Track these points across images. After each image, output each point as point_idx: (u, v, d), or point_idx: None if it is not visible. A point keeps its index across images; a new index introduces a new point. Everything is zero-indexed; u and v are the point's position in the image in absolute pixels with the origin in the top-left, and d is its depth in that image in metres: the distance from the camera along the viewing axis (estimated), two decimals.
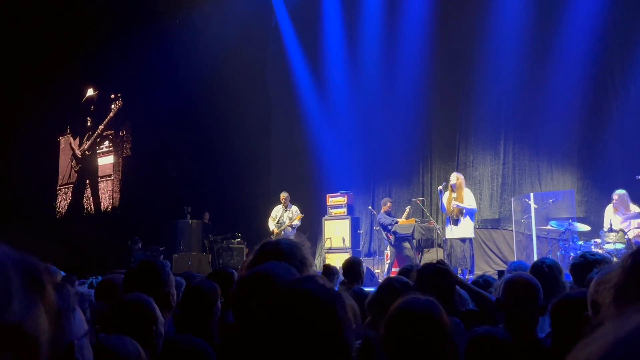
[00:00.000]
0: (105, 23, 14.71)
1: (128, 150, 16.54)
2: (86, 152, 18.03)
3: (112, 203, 16.69)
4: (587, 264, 3.33)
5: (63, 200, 18.37)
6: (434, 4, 11.46)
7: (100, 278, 4.59)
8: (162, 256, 11.86)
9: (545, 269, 3.38)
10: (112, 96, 16.99)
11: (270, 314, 1.48)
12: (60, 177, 18.69)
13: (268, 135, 13.64)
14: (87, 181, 17.80)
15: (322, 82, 12.94)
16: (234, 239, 12.16)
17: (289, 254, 2.15)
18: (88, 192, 17.76)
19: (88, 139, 17.92)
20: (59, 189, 18.63)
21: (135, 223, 13.50)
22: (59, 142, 18.83)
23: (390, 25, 12.07)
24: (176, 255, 11.74)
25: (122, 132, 16.88)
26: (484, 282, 3.85)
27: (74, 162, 18.36)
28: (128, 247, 12.33)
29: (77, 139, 18.31)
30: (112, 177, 17.14)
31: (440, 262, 3.03)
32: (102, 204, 17.20)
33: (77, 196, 18.01)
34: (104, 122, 17.29)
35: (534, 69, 10.41)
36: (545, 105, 10.26)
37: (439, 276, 2.87)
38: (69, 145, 18.54)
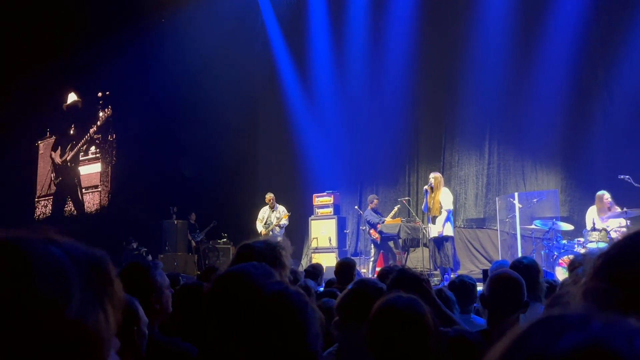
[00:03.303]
0: (87, 23, 14.55)
1: (115, 158, 15.50)
2: (68, 163, 16.66)
3: (100, 203, 16.09)
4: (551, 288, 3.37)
5: (42, 214, 16.89)
6: (420, 5, 11.51)
7: None
8: (149, 256, 11.78)
9: (522, 269, 3.42)
10: (100, 101, 15.88)
11: (242, 315, 1.49)
12: (39, 187, 17.23)
13: (255, 135, 13.61)
14: (68, 197, 16.46)
15: (309, 82, 12.95)
16: (220, 239, 12.13)
17: (261, 256, 2.16)
18: (70, 204, 16.44)
19: (72, 149, 16.54)
20: (38, 201, 17.15)
21: (121, 224, 13.39)
22: (38, 146, 17.36)
23: (376, 25, 12.12)
24: (162, 256, 11.68)
25: (111, 136, 15.69)
26: (460, 282, 3.88)
27: (53, 174, 16.92)
28: (122, 248, 12.20)
29: (59, 149, 16.86)
30: (99, 189, 15.91)
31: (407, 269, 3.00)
32: (86, 208, 16.19)
33: (58, 208, 16.65)
34: (90, 131, 16.11)
35: (519, 71, 10.49)
36: (529, 106, 10.36)
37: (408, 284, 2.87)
38: (49, 151, 17.10)
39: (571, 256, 6.78)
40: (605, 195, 8.14)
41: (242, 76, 13.22)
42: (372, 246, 10.36)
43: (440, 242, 8.82)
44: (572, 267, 3.52)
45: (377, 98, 12.05)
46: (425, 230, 9.41)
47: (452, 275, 7.99)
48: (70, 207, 16.57)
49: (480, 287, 4.08)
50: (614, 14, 9.85)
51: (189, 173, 12.90)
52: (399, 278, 2.48)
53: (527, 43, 10.41)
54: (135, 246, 12.21)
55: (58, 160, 16.91)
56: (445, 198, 8.90)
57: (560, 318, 0.55)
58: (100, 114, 16.03)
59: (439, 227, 8.80)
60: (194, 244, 12.24)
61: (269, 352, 1.44)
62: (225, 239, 12.15)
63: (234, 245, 12.02)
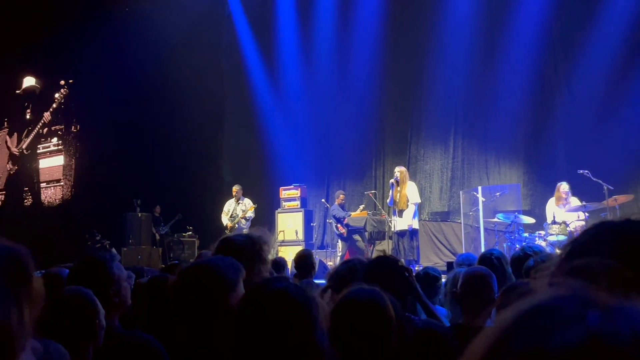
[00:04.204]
0: (50, 10, 14.14)
1: (78, 150, 14.84)
2: (24, 151, 15.76)
3: (63, 197, 15.51)
4: (525, 257, 3.47)
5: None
6: (387, 1, 11.57)
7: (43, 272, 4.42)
8: (112, 249, 11.55)
9: (494, 261, 3.50)
10: (62, 85, 15.11)
11: (242, 312, 1.45)
12: None
13: (221, 127, 13.47)
14: (26, 188, 15.65)
15: (276, 74, 12.89)
16: (186, 232, 11.99)
17: (242, 249, 2.14)
18: (29, 199, 15.67)
19: (27, 135, 15.68)
20: None
21: (84, 217, 13.09)
22: None
23: (343, 20, 12.12)
24: (125, 249, 11.48)
25: (75, 127, 14.97)
26: (424, 274, 3.92)
27: (9, 162, 15.99)
28: (84, 241, 11.92)
29: (15, 136, 15.96)
30: (61, 183, 15.15)
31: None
32: (47, 202, 15.47)
33: (16, 200, 15.79)
34: (48, 111, 15.33)
35: (483, 68, 10.67)
36: (493, 102, 10.55)
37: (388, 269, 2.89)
38: (4, 143, 16.21)
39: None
40: (562, 186, 8.36)
41: (209, 67, 13.06)
42: (340, 240, 10.40)
43: (406, 235, 8.90)
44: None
45: (344, 92, 12.09)
46: (391, 223, 9.49)
47: (416, 268, 8.08)
48: (29, 199, 16.02)
49: (444, 279, 4.14)
50: (575, 13, 10.09)
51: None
52: (375, 266, 2.49)
53: (491, 41, 10.59)
54: (98, 239, 11.95)
55: (14, 149, 16.14)
56: (412, 192, 8.97)
57: (552, 308, 0.49)
58: (56, 95, 15.34)
59: (407, 220, 8.86)
60: (158, 237, 12.07)
61: (279, 350, 1.40)
62: (190, 232, 12.01)
63: (199, 238, 11.90)
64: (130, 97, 13.15)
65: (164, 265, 9.57)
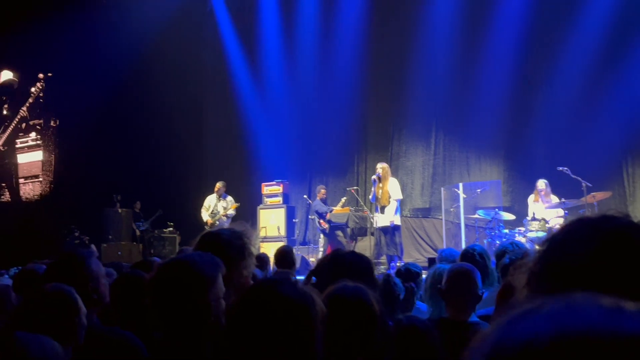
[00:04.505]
0: (28, 2, 13.87)
1: (57, 145, 14.44)
2: (2, 147, 15.29)
3: (42, 193, 15.19)
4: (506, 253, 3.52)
5: None
6: None
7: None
8: (92, 245, 11.44)
9: (476, 256, 3.55)
10: (41, 79, 14.65)
11: (241, 312, 1.43)
12: None
13: (202, 122, 13.39)
14: (4, 184, 15.13)
15: (258, 70, 12.84)
16: (166, 228, 11.90)
17: (229, 244, 2.12)
18: (7, 195, 15.11)
19: (4, 131, 15.23)
20: None
21: (63, 212, 12.92)
22: None
23: (326, 16, 12.11)
24: (105, 245, 11.37)
25: (54, 122, 14.61)
26: (406, 270, 3.95)
27: None
28: (63, 237, 11.77)
29: None
30: (40, 178, 14.75)
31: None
32: (25, 197, 14.98)
33: None
34: (23, 108, 14.87)
35: (464, 66, 10.76)
36: (474, 99, 10.64)
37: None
38: None
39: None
40: (539, 184, 8.48)
41: (190, 62, 12.96)
42: (322, 236, 10.41)
43: (388, 231, 8.93)
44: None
45: (326, 88, 12.08)
46: (373, 220, 9.52)
47: (398, 263, 8.13)
48: (7, 196, 15.71)
49: (425, 275, 4.17)
50: (555, 12, 10.21)
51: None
52: (336, 261, 2.50)
53: (472, 39, 10.68)
54: (77, 235, 11.80)
55: None
56: (394, 188, 9.00)
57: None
58: (32, 89, 15.06)
59: (389, 217, 8.89)
60: (138, 233, 11.97)
61: (277, 355, 1.38)
62: (171, 228, 11.93)
63: (180, 234, 11.82)
64: (110, 91, 12.99)
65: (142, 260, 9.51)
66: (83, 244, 11.28)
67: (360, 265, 2.38)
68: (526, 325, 0.49)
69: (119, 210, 11.99)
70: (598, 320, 0.47)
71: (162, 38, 12.52)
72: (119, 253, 11.03)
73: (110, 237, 11.73)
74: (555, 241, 0.86)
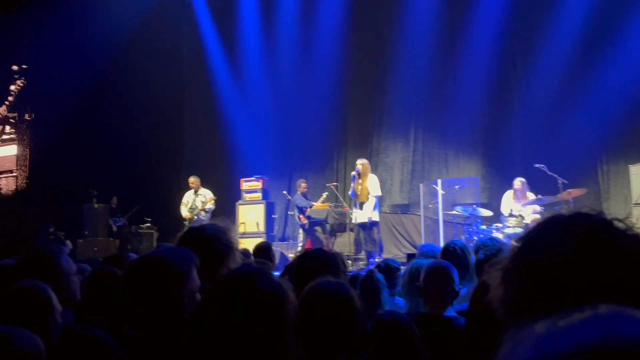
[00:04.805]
0: None
1: (32, 139, 14.12)
2: None
3: (17, 188, 14.86)
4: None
5: None
6: None
7: None
8: (67, 241, 11.28)
9: (458, 252, 3.60)
10: (16, 71, 14.15)
11: (214, 301, 1.42)
12: None
13: (181, 117, 13.26)
14: None
15: (238, 65, 12.76)
16: (144, 224, 11.79)
17: (215, 239, 2.11)
18: None
19: None
20: None
21: (38, 207, 12.71)
22: None
23: (306, 11, 12.08)
24: (81, 241, 11.23)
25: (30, 115, 14.26)
26: (385, 265, 3.97)
27: None
28: (37, 232, 11.57)
29: None
30: (14, 173, 14.42)
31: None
32: None
33: None
34: (3, 105, 14.46)
35: (443, 63, 10.86)
36: (453, 96, 10.73)
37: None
38: None
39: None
40: (515, 183, 8.60)
41: (168, 56, 12.82)
42: (301, 232, 10.41)
43: (367, 227, 8.96)
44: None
45: (306, 83, 12.05)
46: (352, 216, 9.54)
47: (377, 259, 8.17)
48: None
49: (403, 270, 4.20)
50: (532, 12, 10.33)
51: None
52: (303, 259, 2.53)
53: (451, 37, 10.77)
54: (52, 230, 11.62)
55: None
56: (373, 184, 9.03)
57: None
58: (12, 87, 14.77)
59: (367, 213, 8.92)
60: (115, 228, 11.83)
61: (246, 344, 1.37)
62: (149, 224, 11.81)
63: (158, 230, 11.72)
64: (86, 84, 12.79)
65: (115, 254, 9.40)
66: (58, 239, 11.12)
67: (327, 263, 2.40)
68: (570, 334, 0.49)
69: (96, 206, 11.83)
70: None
71: (141, 31, 12.38)
72: (95, 249, 10.91)
73: (86, 232, 11.58)
74: (529, 238, 0.87)
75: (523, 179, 8.61)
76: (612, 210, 9.08)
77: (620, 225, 0.84)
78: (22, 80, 14.32)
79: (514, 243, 0.90)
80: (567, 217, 0.87)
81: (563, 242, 0.82)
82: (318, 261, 2.41)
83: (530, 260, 0.83)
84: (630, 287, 0.77)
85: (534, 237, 0.87)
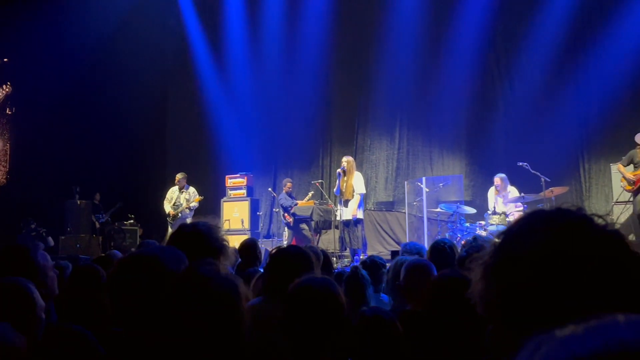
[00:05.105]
0: None
1: (14, 134, 13.70)
2: None
3: None
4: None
5: None
6: None
7: None
8: (49, 238, 11.17)
9: (447, 249, 3.62)
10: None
11: (171, 298, 1.44)
12: None
13: (165, 113, 13.17)
14: None
15: (223, 61, 12.69)
16: (127, 221, 11.71)
17: (209, 236, 2.11)
18: None
19: None
20: None
21: (20, 204, 12.54)
22: None
23: (292, 8, 12.06)
24: (63, 238, 11.11)
25: (10, 110, 13.76)
26: (371, 262, 3.99)
27: None
28: (19, 229, 11.43)
29: None
30: None
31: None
32: None
33: None
34: None
35: (428, 61, 10.91)
36: (437, 95, 10.79)
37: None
38: None
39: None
40: (495, 179, 8.69)
41: (153, 52, 12.71)
42: (286, 229, 10.40)
43: (351, 224, 8.98)
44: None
45: (292, 80, 12.03)
46: (337, 213, 9.56)
47: (361, 256, 8.19)
48: None
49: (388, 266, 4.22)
50: (516, 9, 10.42)
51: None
52: (276, 257, 2.54)
53: (435, 35, 10.84)
54: (33, 227, 11.49)
55: None
56: (357, 182, 9.04)
57: None
58: None
59: (352, 210, 8.93)
60: (97, 225, 11.73)
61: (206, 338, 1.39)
62: (132, 221, 11.73)
63: (141, 227, 11.64)
64: (69, 79, 12.64)
65: (103, 254, 9.34)
66: (40, 236, 11.00)
67: (300, 259, 2.42)
68: (598, 335, 0.50)
69: (78, 202, 11.72)
70: None
71: (125, 27, 12.26)
72: (78, 245, 10.80)
73: (68, 229, 11.46)
74: (510, 234, 0.88)
75: (502, 175, 8.71)
76: (594, 208, 9.21)
77: (599, 221, 0.85)
78: (8, 86, 14.10)
79: (495, 239, 0.91)
80: (547, 213, 0.88)
81: (542, 237, 0.83)
82: (291, 258, 2.44)
83: (510, 255, 0.84)
84: (608, 282, 0.78)
85: (514, 232, 0.88)
